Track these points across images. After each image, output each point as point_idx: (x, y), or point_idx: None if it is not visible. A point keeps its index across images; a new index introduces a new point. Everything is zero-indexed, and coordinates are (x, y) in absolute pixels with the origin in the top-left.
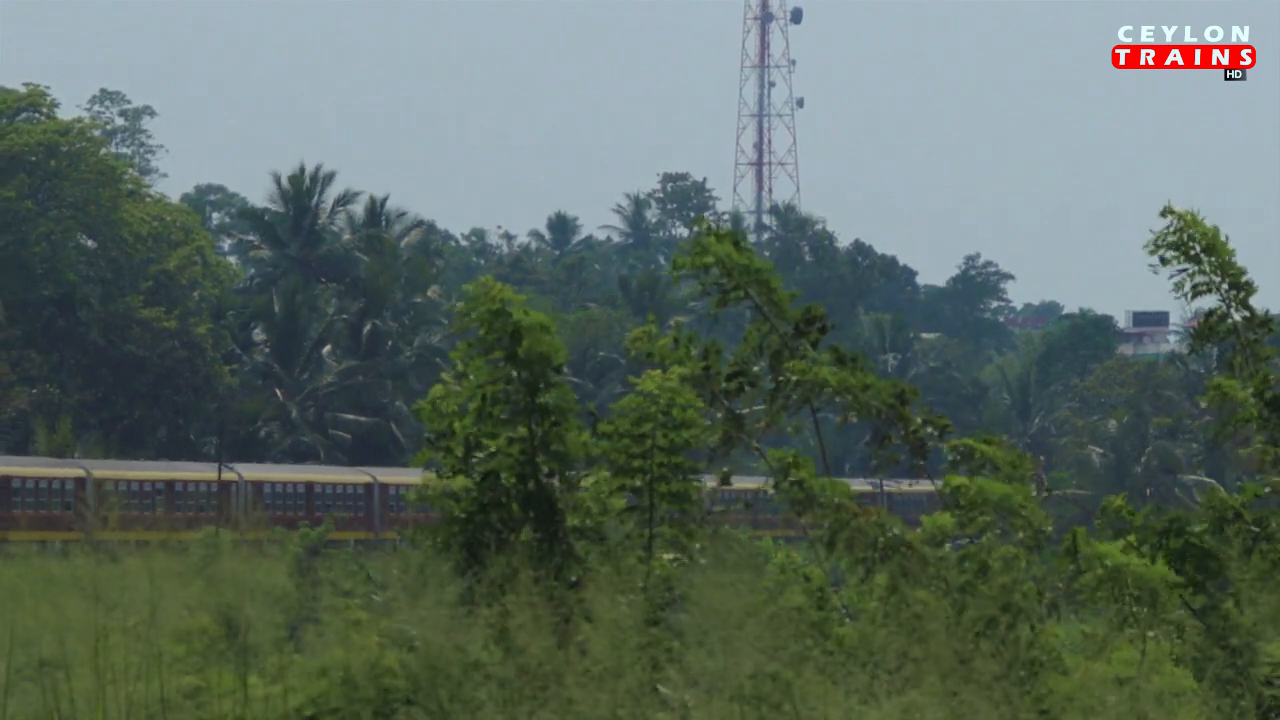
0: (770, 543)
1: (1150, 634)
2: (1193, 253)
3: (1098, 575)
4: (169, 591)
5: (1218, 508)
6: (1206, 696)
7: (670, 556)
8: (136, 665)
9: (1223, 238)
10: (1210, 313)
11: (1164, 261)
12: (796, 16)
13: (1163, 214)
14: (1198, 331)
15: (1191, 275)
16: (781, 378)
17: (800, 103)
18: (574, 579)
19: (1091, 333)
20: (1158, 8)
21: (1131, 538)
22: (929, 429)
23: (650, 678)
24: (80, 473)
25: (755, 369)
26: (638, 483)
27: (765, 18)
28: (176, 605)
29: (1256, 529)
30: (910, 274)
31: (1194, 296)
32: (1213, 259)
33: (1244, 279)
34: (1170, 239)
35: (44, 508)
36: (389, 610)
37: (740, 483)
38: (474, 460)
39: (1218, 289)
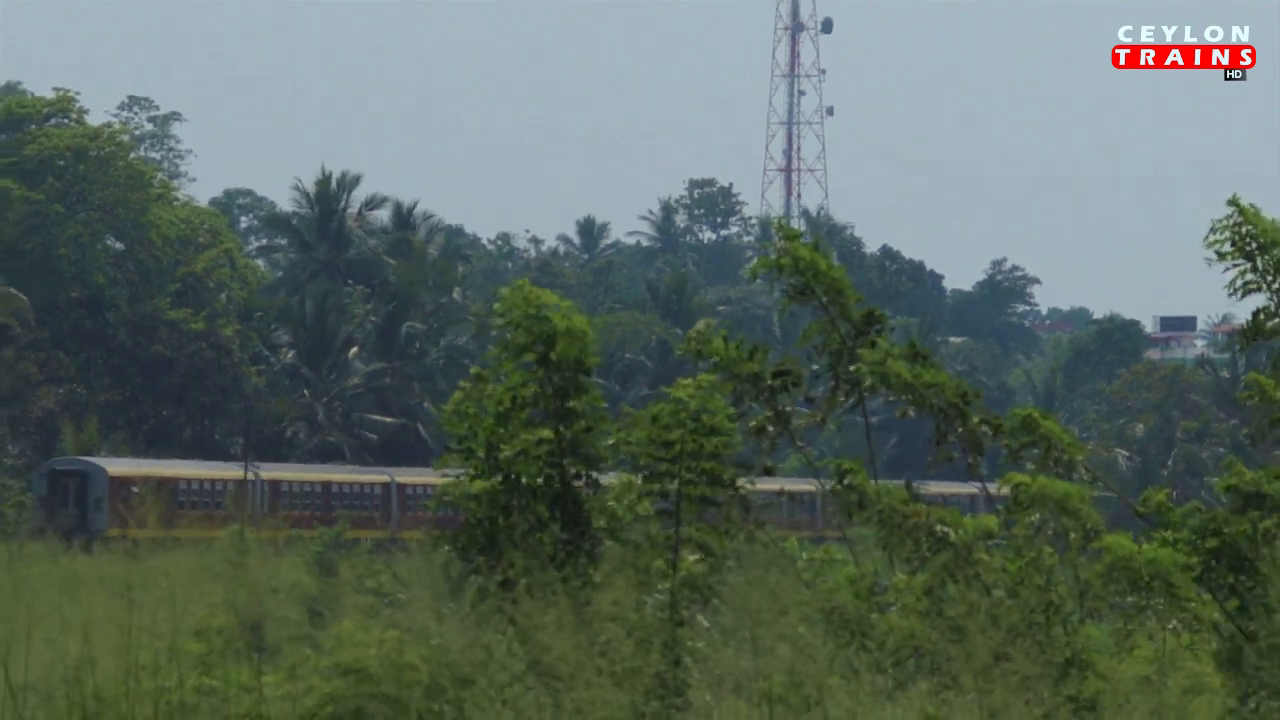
0: (795, 543)
1: (1169, 626)
2: (1248, 249)
3: (1106, 565)
4: (192, 589)
5: (1240, 487)
6: (1229, 693)
7: (696, 558)
8: (159, 662)
9: None
10: (1258, 311)
11: (1220, 256)
12: (827, 26)
13: (1228, 204)
14: (1244, 330)
15: (1243, 272)
16: (854, 366)
17: (830, 111)
18: (598, 579)
19: (1119, 337)
20: (1158, 8)
21: (1168, 533)
22: (985, 428)
23: (674, 678)
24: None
25: (801, 369)
26: (666, 487)
27: (796, 27)
28: (199, 603)
29: (1275, 515)
30: (937, 279)
31: (1243, 295)
32: (1267, 257)
33: None
34: (1227, 232)
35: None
36: (411, 608)
37: (769, 483)
38: (496, 461)
39: (1268, 287)
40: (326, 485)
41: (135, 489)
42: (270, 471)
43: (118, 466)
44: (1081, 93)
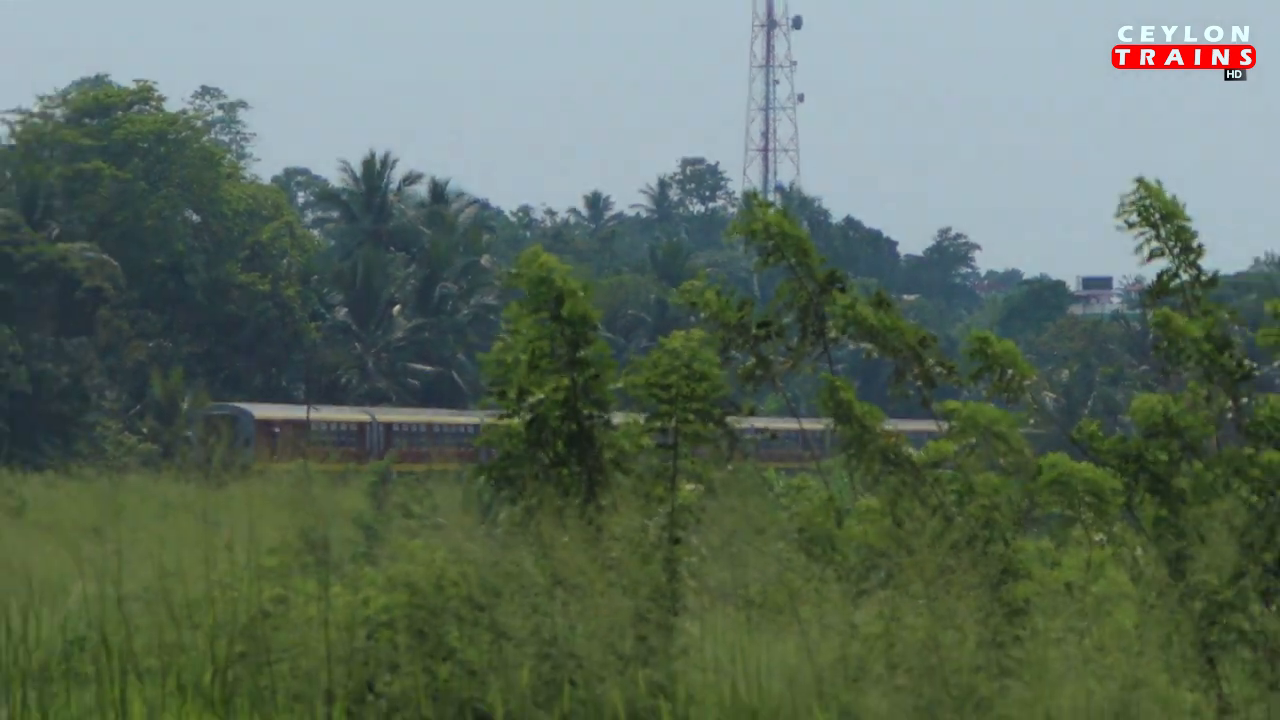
0: (774, 473)
1: (1097, 538)
2: (1153, 219)
3: (1049, 479)
4: (265, 514)
5: (1148, 414)
6: (1144, 598)
7: (691, 486)
8: (237, 575)
9: (1180, 205)
10: (1162, 273)
11: (1129, 225)
12: (797, 23)
13: (1134, 181)
14: (1151, 289)
15: (1149, 240)
16: (830, 307)
17: (801, 98)
18: (608, 505)
19: (1046, 295)
20: (1158, 8)
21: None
22: (939, 368)
23: (671, 587)
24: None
25: (782, 320)
26: (666, 425)
27: (770, 24)
28: (271, 526)
29: (1182, 441)
30: (892, 245)
31: (1150, 259)
32: (1169, 226)
33: (1195, 243)
34: (1135, 205)
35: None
36: (448, 531)
37: (753, 421)
38: (525, 404)
39: (1170, 252)
40: (430, 425)
41: (277, 430)
42: (385, 414)
43: (262, 411)
44: (1081, 92)
